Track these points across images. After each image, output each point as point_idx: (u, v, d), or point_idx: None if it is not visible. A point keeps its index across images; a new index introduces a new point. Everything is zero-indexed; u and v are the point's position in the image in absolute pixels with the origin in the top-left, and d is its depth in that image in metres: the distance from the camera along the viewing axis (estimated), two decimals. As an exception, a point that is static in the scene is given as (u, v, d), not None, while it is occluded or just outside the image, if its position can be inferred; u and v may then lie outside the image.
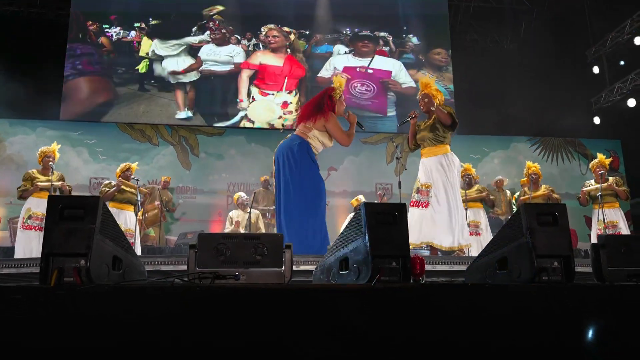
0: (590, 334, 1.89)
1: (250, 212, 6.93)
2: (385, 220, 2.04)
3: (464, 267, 3.61)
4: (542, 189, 6.66)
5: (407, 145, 4.83)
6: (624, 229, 5.88)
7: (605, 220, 5.86)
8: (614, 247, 2.16)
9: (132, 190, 6.05)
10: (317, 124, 4.11)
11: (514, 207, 8.95)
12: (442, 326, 1.81)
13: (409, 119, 4.71)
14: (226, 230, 7.37)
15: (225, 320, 1.73)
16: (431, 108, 4.57)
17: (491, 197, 7.27)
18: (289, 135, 4.26)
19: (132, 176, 6.10)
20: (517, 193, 7.13)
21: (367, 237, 1.99)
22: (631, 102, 10.13)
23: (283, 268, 2.03)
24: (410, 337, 1.77)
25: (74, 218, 1.83)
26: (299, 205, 3.91)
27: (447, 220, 4.30)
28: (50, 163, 5.58)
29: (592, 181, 6.17)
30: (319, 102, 4.20)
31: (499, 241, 2.26)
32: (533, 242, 2.03)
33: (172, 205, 8.54)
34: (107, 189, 5.92)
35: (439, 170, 4.45)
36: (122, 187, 5.96)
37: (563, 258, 2.06)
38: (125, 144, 9.70)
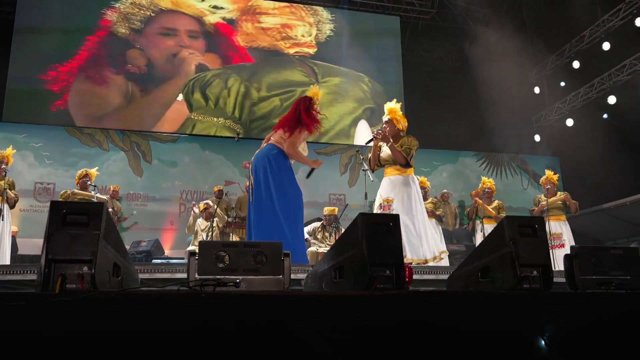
0: (565, 337, 2.03)
1: (212, 221, 6.87)
2: (380, 230, 2.13)
3: (432, 277, 3.77)
4: (495, 203, 7.03)
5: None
6: (567, 241, 6.26)
7: (551, 233, 6.22)
8: (585, 258, 2.34)
9: (90, 200, 5.87)
10: (293, 137, 4.24)
11: (460, 219, 9.34)
12: (438, 331, 1.91)
13: (372, 139, 4.83)
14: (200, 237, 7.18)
15: (229, 326, 1.76)
16: (386, 145, 4.69)
17: (437, 212, 7.41)
18: (264, 144, 4.32)
19: (90, 182, 5.92)
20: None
21: (364, 246, 2.07)
22: (569, 122, 10.77)
23: (282, 276, 2.07)
24: (408, 341, 1.85)
25: (78, 224, 1.81)
26: (284, 212, 3.98)
27: (414, 233, 4.40)
28: (4, 167, 5.35)
29: (542, 195, 6.54)
30: (298, 115, 4.29)
31: (482, 251, 2.39)
32: (516, 252, 2.17)
33: (121, 215, 8.32)
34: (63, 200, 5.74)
35: (402, 185, 4.58)
36: (81, 197, 5.77)
37: (542, 267, 2.22)
38: (74, 148, 9.34)
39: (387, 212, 4.53)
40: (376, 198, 4.74)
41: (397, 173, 4.67)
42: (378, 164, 4.84)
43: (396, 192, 4.58)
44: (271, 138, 4.33)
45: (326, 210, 7.09)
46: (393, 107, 4.82)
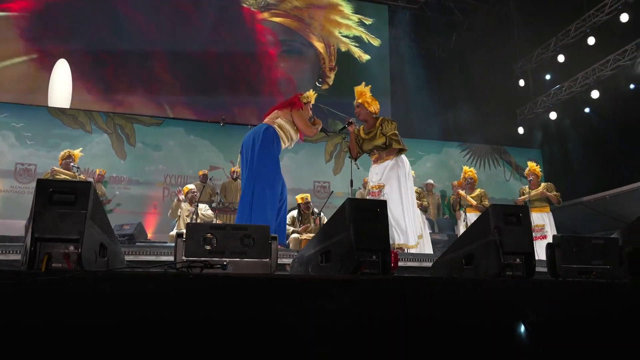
0: (545, 323, 2.07)
1: (197, 206, 6.84)
2: (368, 216, 2.14)
3: (416, 264, 3.81)
4: (477, 192, 7.11)
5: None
6: (550, 232, 6.35)
7: (533, 224, 6.29)
8: (567, 247, 2.38)
9: (72, 179, 5.80)
10: (285, 112, 4.41)
11: (444, 209, 9.43)
12: (422, 316, 1.94)
13: (346, 126, 4.81)
14: (184, 221, 7.12)
15: (216, 308, 1.77)
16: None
17: (422, 202, 7.57)
18: (252, 126, 4.37)
19: (73, 164, 5.85)
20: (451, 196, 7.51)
21: (351, 231, 2.08)
22: (553, 115, 10.90)
23: (269, 259, 2.08)
24: (393, 325, 1.88)
25: (65, 203, 1.79)
26: (257, 195, 3.99)
27: (400, 218, 4.41)
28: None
29: (527, 187, 6.62)
30: (288, 99, 4.59)
31: (466, 239, 2.43)
32: (500, 240, 2.20)
33: (105, 198, 8.23)
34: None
35: (391, 170, 4.55)
36: (61, 175, 5.70)
37: (525, 255, 2.25)
38: (56, 129, 9.19)
39: (377, 197, 4.50)
40: (367, 186, 4.75)
41: (382, 161, 4.63)
42: (360, 152, 4.80)
43: (386, 178, 4.55)
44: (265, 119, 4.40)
45: (299, 198, 7.12)
46: (362, 90, 4.77)
